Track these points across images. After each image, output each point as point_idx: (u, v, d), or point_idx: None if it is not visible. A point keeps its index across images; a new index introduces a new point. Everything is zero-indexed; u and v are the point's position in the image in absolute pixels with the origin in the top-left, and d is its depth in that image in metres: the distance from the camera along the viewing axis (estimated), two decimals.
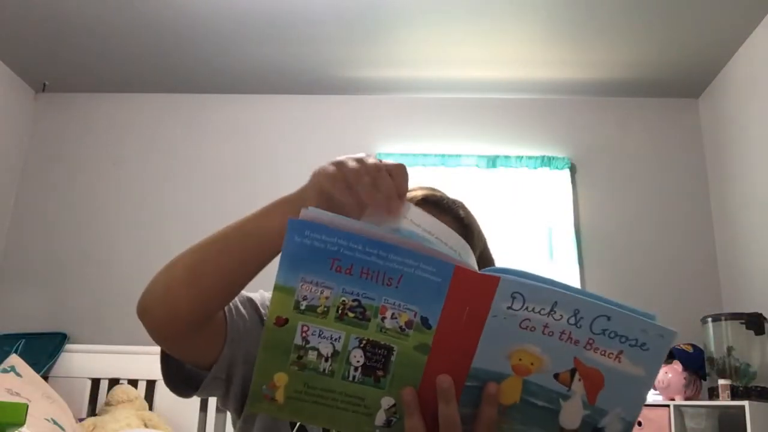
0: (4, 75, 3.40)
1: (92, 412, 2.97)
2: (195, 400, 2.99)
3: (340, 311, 0.60)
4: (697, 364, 2.61)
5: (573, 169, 3.35)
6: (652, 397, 2.71)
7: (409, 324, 0.60)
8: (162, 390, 3.02)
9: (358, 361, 0.61)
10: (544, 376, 0.61)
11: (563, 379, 0.61)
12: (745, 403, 2.26)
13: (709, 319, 2.65)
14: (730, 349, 2.54)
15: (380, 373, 0.61)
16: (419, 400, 0.62)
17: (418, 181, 0.96)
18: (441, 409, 0.61)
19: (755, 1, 2.71)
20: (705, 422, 2.43)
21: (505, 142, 3.41)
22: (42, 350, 3.03)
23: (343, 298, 0.60)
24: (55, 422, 2.25)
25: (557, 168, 3.30)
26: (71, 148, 3.55)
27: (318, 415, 0.62)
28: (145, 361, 3.05)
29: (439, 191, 0.98)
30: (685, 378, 2.56)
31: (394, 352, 0.61)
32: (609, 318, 0.58)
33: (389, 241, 0.60)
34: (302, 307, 0.60)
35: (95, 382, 3.05)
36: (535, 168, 3.30)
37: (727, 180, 3.13)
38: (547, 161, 3.31)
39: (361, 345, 0.61)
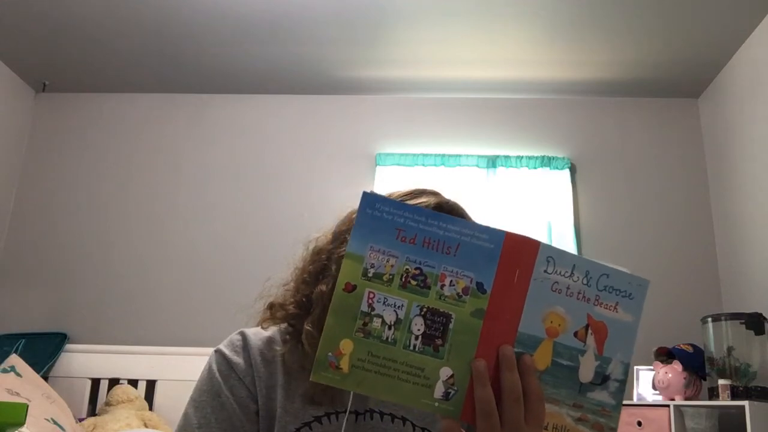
0: (4, 75, 3.40)
1: (92, 412, 2.97)
2: None
3: (403, 279, 0.66)
4: (697, 364, 2.60)
5: (573, 169, 3.35)
6: (652, 397, 2.71)
7: (465, 290, 0.66)
8: (162, 390, 3.02)
9: (419, 330, 0.65)
10: (567, 336, 0.68)
11: (580, 336, 0.68)
12: (745, 403, 2.25)
13: (709, 319, 2.64)
14: (730, 349, 2.53)
15: (439, 342, 0.65)
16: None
17: (420, 183, 0.96)
18: (505, 377, 0.64)
19: (755, 1, 2.71)
20: (705, 422, 2.42)
21: (505, 142, 3.41)
22: (42, 350, 3.03)
23: (407, 267, 0.66)
24: (55, 422, 2.25)
25: (557, 168, 3.30)
26: (71, 148, 3.56)
27: (379, 386, 0.65)
28: (145, 361, 3.06)
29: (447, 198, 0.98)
30: (685, 378, 2.55)
31: (452, 320, 0.65)
32: (608, 276, 0.69)
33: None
34: (369, 275, 0.65)
35: (95, 382, 3.05)
36: (535, 168, 3.30)
37: (727, 180, 3.13)
38: (547, 161, 3.30)
39: (422, 313, 0.65)
